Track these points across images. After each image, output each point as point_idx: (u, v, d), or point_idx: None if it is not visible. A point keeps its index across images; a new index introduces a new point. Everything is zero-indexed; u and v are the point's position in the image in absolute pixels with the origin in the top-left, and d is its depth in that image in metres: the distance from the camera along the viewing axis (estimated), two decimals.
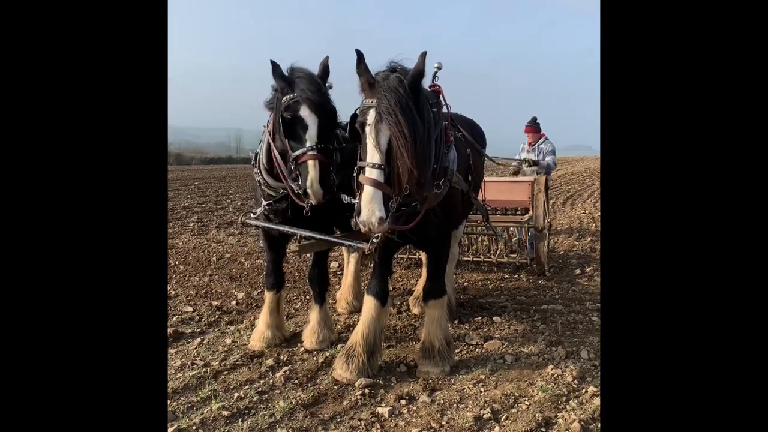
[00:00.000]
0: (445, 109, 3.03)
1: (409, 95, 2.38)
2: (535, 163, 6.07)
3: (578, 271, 5.65)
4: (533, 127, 6.37)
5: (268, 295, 3.57)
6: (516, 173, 6.38)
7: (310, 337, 3.50)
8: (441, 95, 2.94)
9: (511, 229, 5.57)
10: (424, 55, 2.44)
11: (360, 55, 2.50)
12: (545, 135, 6.43)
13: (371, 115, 2.40)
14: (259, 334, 3.52)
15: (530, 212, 5.34)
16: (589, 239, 7.66)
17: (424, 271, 4.42)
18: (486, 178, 4.95)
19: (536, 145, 6.35)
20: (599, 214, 10.01)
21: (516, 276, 5.47)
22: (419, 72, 2.45)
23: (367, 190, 2.37)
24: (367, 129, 2.41)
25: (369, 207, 2.35)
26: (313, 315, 3.55)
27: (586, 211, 10.73)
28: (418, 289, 4.36)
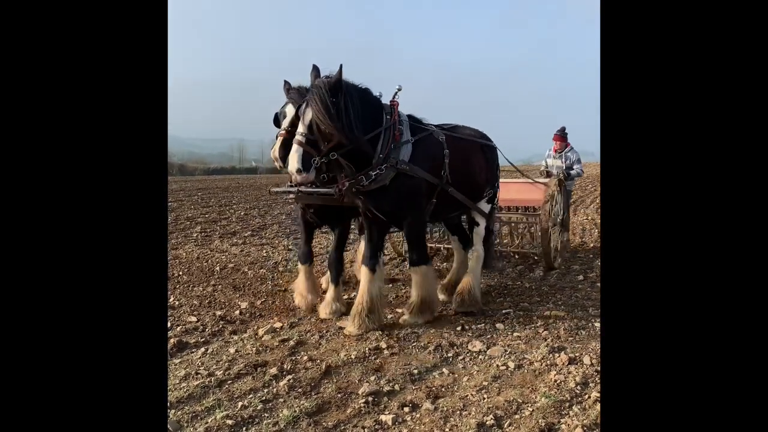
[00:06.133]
0: (405, 118, 3.99)
1: (327, 92, 3.39)
2: (568, 175, 6.72)
3: (581, 277, 5.66)
4: (561, 136, 7.00)
5: (302, 268, 4.53)
6: (547, 175, 7.03)
7: (324, 309, 4.32)
8: (395, 108, 3.88)
9: (532, 228, 6.42)
10: (340, 67, 3.45)
11: (314, 69, 3.65)
12: (571, 144, 7.01)
13: (304, 104, 3.52)
14: (301, 296, 4.49)
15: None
16: (591, 245, 7.67)
17: (454, 265, 5.14)
18: (509, 180, 6.17)
19: (563, 153, 6.96)
20: None
21: (519, 282, 5.48)
22: (336, 79, 3.45)
23: (293, 149, 3.44)
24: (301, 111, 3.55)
25: (291, 160, 3.42)
26: (329, 292, 4.41)
27: (589, 217, 10.73)
28: (448, 278, 5.01)
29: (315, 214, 4.52)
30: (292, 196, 4.37)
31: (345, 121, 3.44)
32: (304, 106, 3.49)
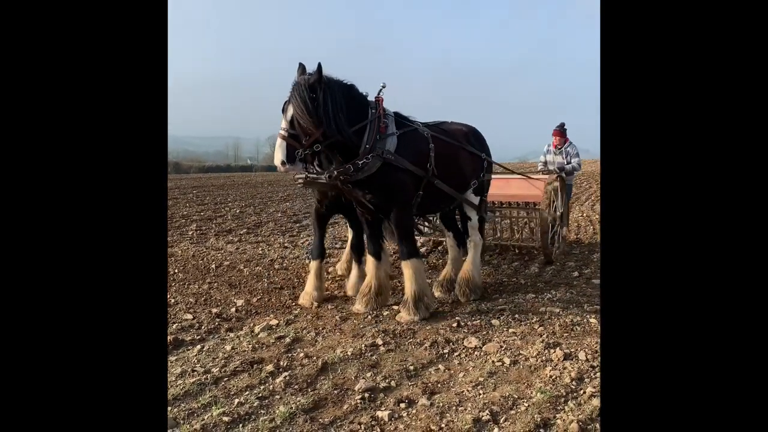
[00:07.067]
0: (391, 113, 4.19)
1: (306, 89, 3.62)
2: (561, 169, 6.88)
3: (576, 274, 5.68)
4: (560, 131, 7.13)
5: (312, 264, 4.71)
6: (545, 171, 7.31)
7: (352, 287, 4.79)
8: (380, 103, 4.07)
9: (532, 223, 6.68)
10: (318, 66, 3.67)
11: (300, 67, 3.82)
12: (569, 139, 7.16)
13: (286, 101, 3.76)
14: (308, 295, 4.61)
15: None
16: (586, 242, 7.70)
17: (448, 261, 5.15)
18: (509, 177, 6.42)
19: (562, 148, 7.12)
20: (597, 217, 10.05)
21: (514, 279, 5.50)
22: (316, 78, 3.66)
23: (277, 142, 3.74)
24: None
25: (276, 154, 3.72)
26: (354, 271, 4.94)
27: (584, 214, 10.77)
28: (442, 274, 5.07)
29: (330, 204, 4.84)
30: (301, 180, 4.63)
31: (323, 114, 3.64)
32: (286, 102, 3.75)
